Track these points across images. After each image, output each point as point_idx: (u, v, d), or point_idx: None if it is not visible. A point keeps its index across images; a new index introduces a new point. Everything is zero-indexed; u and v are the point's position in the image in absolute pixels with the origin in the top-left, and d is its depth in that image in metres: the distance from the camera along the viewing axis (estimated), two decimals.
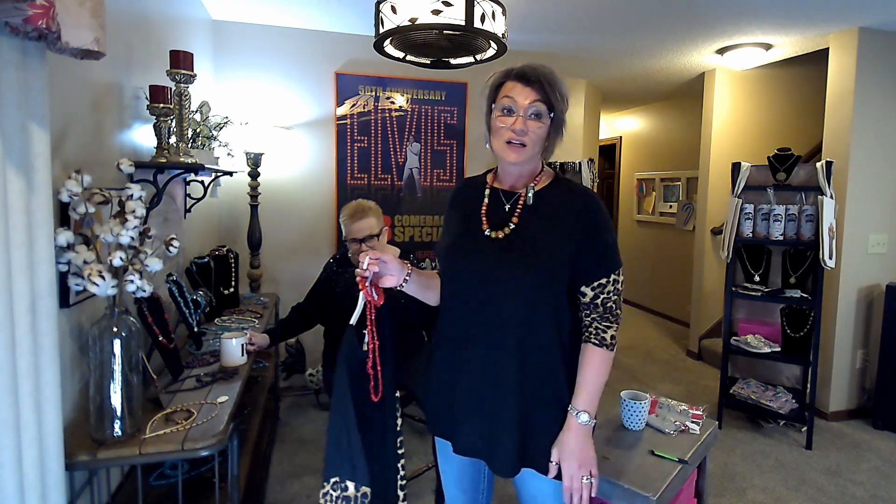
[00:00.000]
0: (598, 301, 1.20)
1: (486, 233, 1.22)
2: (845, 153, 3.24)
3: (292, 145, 3.48)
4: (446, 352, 1.28)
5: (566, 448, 1.16)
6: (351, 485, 1.14)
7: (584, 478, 1.15)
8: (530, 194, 1.22)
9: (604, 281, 1.19)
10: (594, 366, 1.19)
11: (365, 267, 1.12)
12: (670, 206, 5.72)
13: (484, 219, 1.24)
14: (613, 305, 1.21)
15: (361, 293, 1.14)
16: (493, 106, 1.21)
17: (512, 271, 1.18)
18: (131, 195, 1.32)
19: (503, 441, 1.20)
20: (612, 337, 1.20)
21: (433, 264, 3.73)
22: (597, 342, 1.19)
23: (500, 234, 1.21)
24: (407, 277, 1.20)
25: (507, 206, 1.24)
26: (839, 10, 2.93)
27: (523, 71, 1.18)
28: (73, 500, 1.30)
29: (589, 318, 1.22)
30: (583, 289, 1.21)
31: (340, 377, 1.17)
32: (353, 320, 1.17)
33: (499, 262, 1.19)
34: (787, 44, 3.55)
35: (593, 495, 1.18)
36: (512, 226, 1.21)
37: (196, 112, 2.41)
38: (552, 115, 1.18)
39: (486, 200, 1.27)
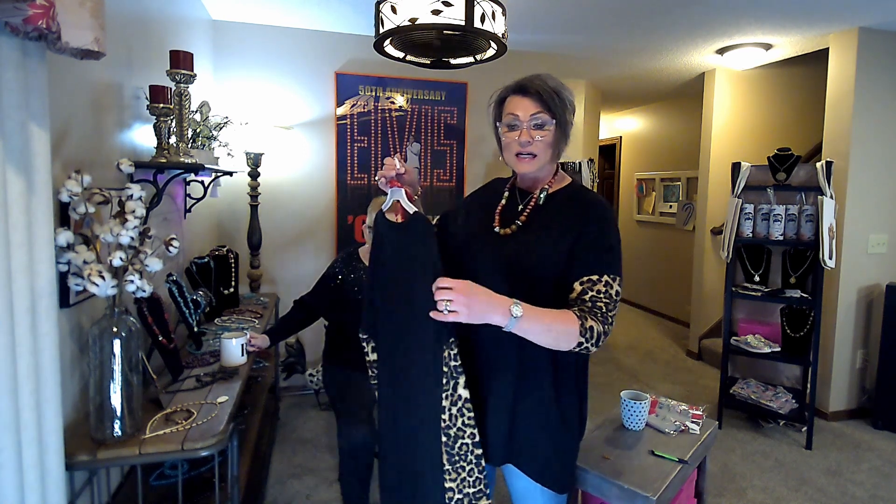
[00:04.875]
0: (586, 297, 1.13)
1: (496, 229, 1.28)
2: (845, 153, 3.24)
3: (292, 145, 3.48)
4: None
5: (474, 286, 1.05)
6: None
7: (446, 303, 1.02)
8: (542, 195, 1.28)
9: (594, 278, 1.13)
10: (560, 313, 1.09)
11: (397, 164, 1.19)
12: (670, 206, 5.72)
13: (497, 217, 1.31)
14: (603, 307, 1.12)
15: (393, 189, 1.20)
16: (499, 123, 1.27)
17: (510, 264, 1.21)
18: (131, 195, 1.32)
19: (492, 426, 1.23)
20: (591, 329, 1.09)
21: None
22: (577, 314, 1.10)
23: (507, 231, 1.27)
24: (417, 196, 1.29)
25: (520, 207, 1.30)
26: (839, 10, 2.93)
27: (521, 84, 1.23)
28: (73, 500, 1.30)
29: (576, 308, 1.13)
30: (573, 284, 1.16)
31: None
32: (385, 207, 1.23)
33: (501, 255, 1.23)
34: (787, 44, 3.55)
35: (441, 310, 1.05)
36: (518, 223, 1.26)
37: (196, 112, 2.40)
38: (555, 121, 1.21)
39: (503, 201, 1.34)
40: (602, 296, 1.13)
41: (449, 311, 1.02)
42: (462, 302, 1.02)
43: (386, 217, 1.22)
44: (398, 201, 1.20)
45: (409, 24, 1.59)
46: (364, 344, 1.32)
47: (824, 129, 3.43)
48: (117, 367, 1.30)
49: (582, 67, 4.28)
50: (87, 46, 1.07)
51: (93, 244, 1.28)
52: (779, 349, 3.13)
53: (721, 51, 3.74)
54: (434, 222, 1.48)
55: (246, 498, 2.02)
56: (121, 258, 1.25)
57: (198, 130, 2.35)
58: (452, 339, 1.11)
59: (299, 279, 3.44)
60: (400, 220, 1.21)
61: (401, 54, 1.93)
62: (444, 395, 1.12)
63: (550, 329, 1.08)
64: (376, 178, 1.23)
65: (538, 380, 1.22)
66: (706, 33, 3.38)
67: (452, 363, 1.12)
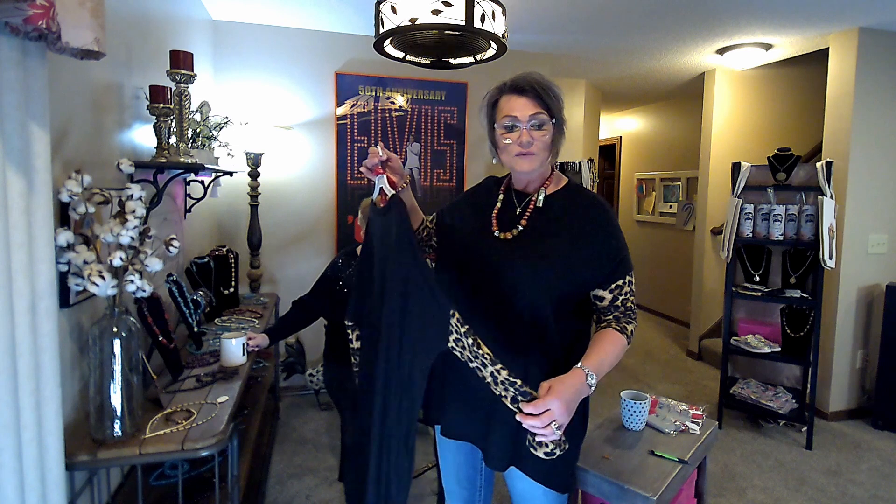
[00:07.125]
0: (619, 302, 1.21)
1: (496, 234, 1.26)
2: (845, 153, 3.24)
3: (292, 145, 3.48)
4: None
5: (562, 388, 1.03)
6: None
7: (555, 425, 1.00)
8: (540, 198, 1.25)
9: (620, 283, 1.21)
10: (611, 343, 1.15)
11: (380, 152, 1.19)
12: (670, 206, 5.72)
13: (494, 221, 1.28)
14: (632, 305, 1.23)
15: (378, 177, 1.21)
16: (496, 124, 1.24)
17: (517, 270, 1.20)
18: (131, 195, 1.32)
19: (497, 431, 1.23)
20: (632, 332, 1.20)
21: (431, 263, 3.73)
22: (618, 328, 1.18)
23: (509, 236, 1.24)
24: (405, 184, 1.25)
25: (518, 210, 1.28)
26: (839, 10, 2.93)
27: (516, 83, 1.20)
28: (73, 500, 1.30)
29: (611, 317, 1.21)
30: (599, 293, 1.21)
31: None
32: (374, 195, 1.24)
33: (505, 261, 1.21)
34: (787, 44, 3.55)
35: (548, 442, 1.07)
36: (520, 227, 1.24)
37: (196, 112, 2.40)
38: (553, 119, 1.20)
39: (498, 204, 1.31)
40: (628, 294, 1.23)
41: (558, 429, 1.02)
42: (563, 413, 1.01)
43: (374, 204, 1.24)
44: (382, 188, 1.21)
45: (409, 24, 1.59)
46: (349, 332, 1.32)
47: (824, 129, 3.43)
48: (117, 367, 1.30)
49: (582, 67, 4.28)
50: (87, 46, 1.07)
51: (93, 244, 1.28)
52: (779, 349, 3.13)
53: (721, 51, 3.74)
54: (430, 220, 1.46)
55: (246, 498, 2.02)
56: (121, 258, 1.25)
57: (198, 130, 2.36)
58: (453, 310, 1.10)
59: (299, 279, 3.44)
60: (382, 206, 1.22)
61: (401, 54, 1.93)
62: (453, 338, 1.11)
63: (615, 361, 1.17)
64: (360, 168, 1.24)
65: (542, 383, 1.21)
66: (706, 33, 3.38)
67: (463, 328, 1.09)
